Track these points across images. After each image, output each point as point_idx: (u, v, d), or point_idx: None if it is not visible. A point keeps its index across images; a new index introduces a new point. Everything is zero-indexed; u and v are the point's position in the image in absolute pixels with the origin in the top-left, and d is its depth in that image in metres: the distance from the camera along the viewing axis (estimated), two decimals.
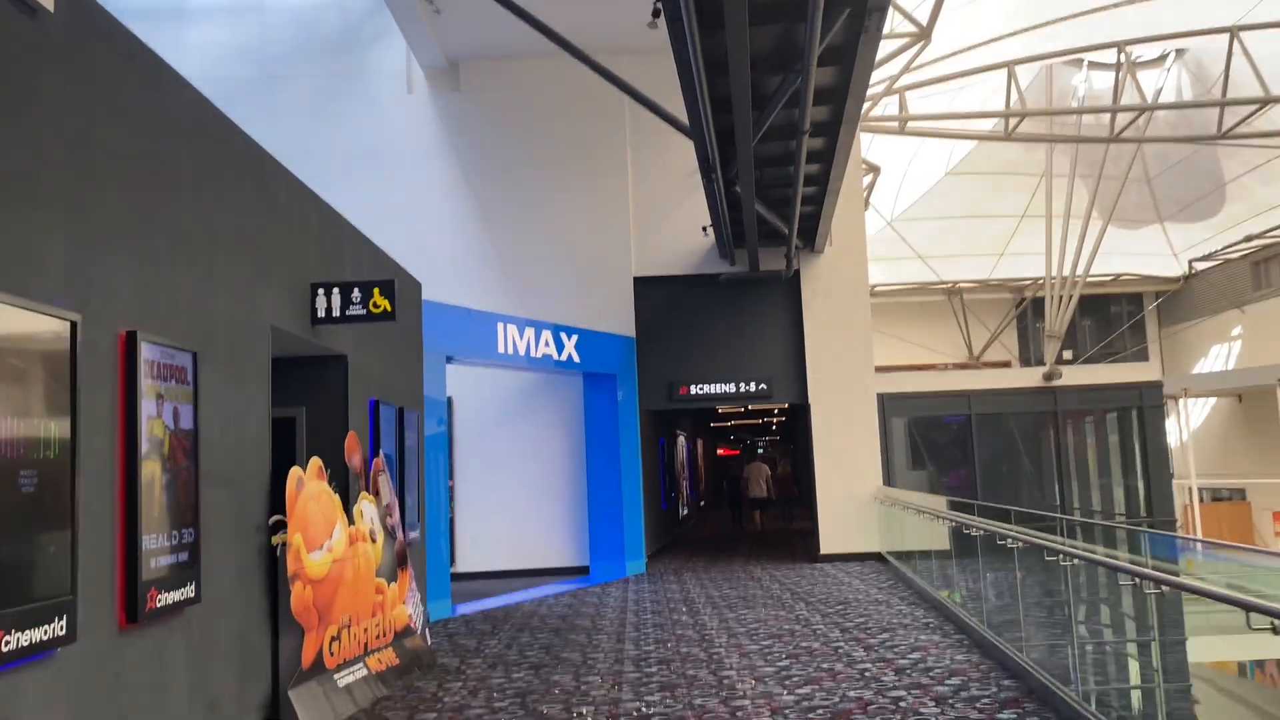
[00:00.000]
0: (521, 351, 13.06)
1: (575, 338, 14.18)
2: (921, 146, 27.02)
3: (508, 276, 15.50)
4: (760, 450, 53.13)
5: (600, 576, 14.49)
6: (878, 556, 15.21)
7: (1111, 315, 31.17)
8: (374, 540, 7.60)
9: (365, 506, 7.56)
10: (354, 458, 7.64)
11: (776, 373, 15.75)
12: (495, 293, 15.13)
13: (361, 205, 15.57)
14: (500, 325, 12.73)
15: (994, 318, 28.69)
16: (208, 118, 5.95)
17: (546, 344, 13.56)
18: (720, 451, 43.28)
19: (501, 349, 12.69)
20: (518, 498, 15.23)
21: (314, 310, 7.35)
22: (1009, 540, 7.29)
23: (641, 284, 15.76)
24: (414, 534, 9.95)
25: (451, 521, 14.85)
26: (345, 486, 7.63)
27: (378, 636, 7.49)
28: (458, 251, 15.54)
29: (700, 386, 15.65)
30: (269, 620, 6.30)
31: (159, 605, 4.70)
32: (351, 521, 7.30)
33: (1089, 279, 22.56)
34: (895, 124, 20.88)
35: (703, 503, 31.67)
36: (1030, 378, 16.54)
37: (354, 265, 8.63)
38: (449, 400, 14.87)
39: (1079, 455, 17.65)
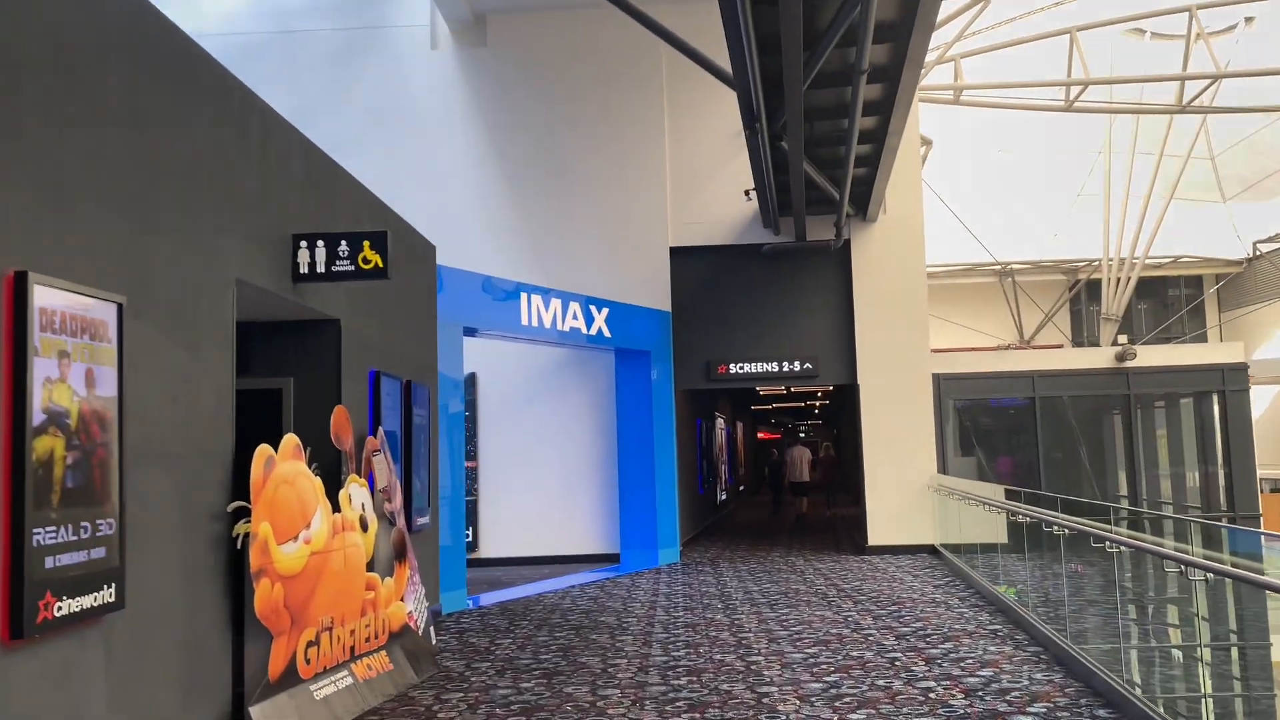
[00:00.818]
0: (547, 324, 12.08)
1: (606, 311, 13.17)
2: (975, 121, 25.81)
3: (534, 245, 14.52)
4: (802, 434, 51.99)
5: (631, 565, 13.54)
6: (930, 549, 14.09)
7: (1169, 298, 29.74)
8: (365, 529, 6.67)
9: (355, 491, 6.64)
10: (342, 435, 6.71)
11: (823, 351, 14.64)
12: (521, 263, 14.17)
13: (382, 167, 14.67)
14: (524, 295, 11.76)
15: (1046, 300, 27.36)
16: (152, 26, 4.99)
17: (575, 317, 12.57)
18: (761, 435, 42.18)
19: (525, 321, 11.73)
20: (545, 481, 14.30)
21: (295, 265, 6.41)
22: (1106, 543, 6.17)
23: (678, 255, 14.72)
24: (423, 520, 9.04)
25: (474, 505, 13.96)
26: (337, 468, 6.71)
27: (368, 639, 6.58)
28: (481, 218, 14.59)
29: (740, 366, 14.60)
30: (229, 625, 5.39)
31: (58, 615, 3.78)
32: (337, 508, 6.38)
33: (1147, 260, 21.33)
34: (950, 93, 19.66)
35: (742, 488, 30.64)
36: (1099, 358, 15.28)
37: (351, 219, 7.68)
38: (472, 376, 13.97)
39: (1148, 442, 16.34)
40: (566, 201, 14.62)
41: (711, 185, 14.85)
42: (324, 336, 7.27)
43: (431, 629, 7.93)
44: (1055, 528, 7.15)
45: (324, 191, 7.15)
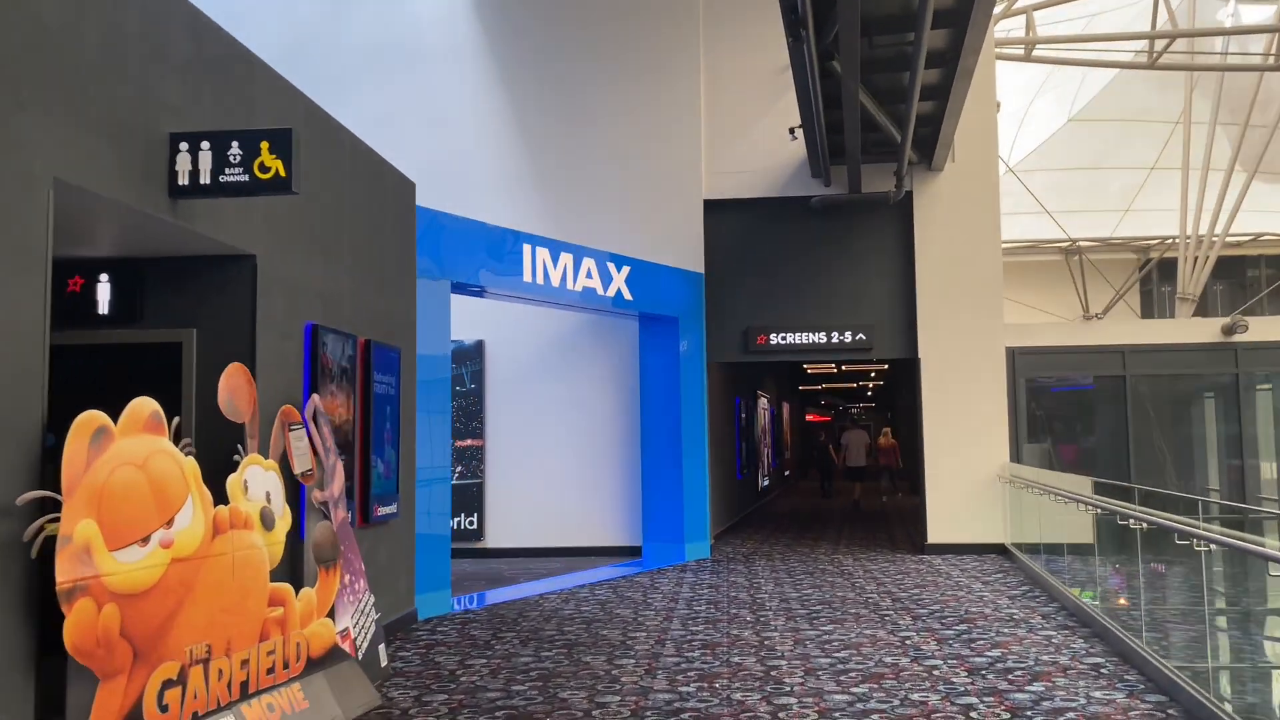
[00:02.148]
0: (556, 282, 10.41)
1: (627, 270, 11.47)
2: (1042, 88, 23.81)
3: (549, 198, 12.85)
4: (854, 416, 49.96)
5: (654, 561, 11.88)
6: (1000, 549, 12.24)
7: (1248, 279, 27.60)
8: (269, 526, 5.07)
9: (255, 476, 5.04)
10: (237, 402, 5.10)
11: (878, 320, 12.81)
12: (533, 216, 12.51)
13: (380, 109, 13.11)
14: (527, 248, 10.08)
15: (1115, 280, 25.21)
16: None
17: (589, 275, 10.88)
18: (809, 417, 40.26)
19: (529, 278, 10.06)
20: (559, 463, 12.69)
21: (172, 174, 4.80)
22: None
23: (713, 209, 12.95)
24: (387, 510, 7.46)
25: (479, 489, 12.40)
26: (239, 443, 5.13)
27: (271, 670, 4.99)
28: (490, 166, 12.95)
29: (783, 336, 12.82)
30: (25, 663, 3.82)
31: None
32: (223, 500, 4.79)
33: (1225, 238, 19.33)
34: (1020, 48, 17.63)
35: (787, 473, 28.84)
36: (1202, 331, 13.25)
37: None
38: (479, 344, 12.40)
39: (1247, 427, 14.24)
40: (586, 148, 12.92)
41: (753, 130, 13.04)
42: (235, 277, 5.67)
43: (382, 647, 6.35)
44: (1196, 542, 5.30)
45: (227, 85, 5.53)
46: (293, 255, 6.15)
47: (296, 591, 5.28)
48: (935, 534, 12.46)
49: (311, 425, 5.93)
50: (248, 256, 5.65)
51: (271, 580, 5.07)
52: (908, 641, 7.30)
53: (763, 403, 21.96)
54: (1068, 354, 12.74)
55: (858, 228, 12.89)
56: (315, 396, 6.01)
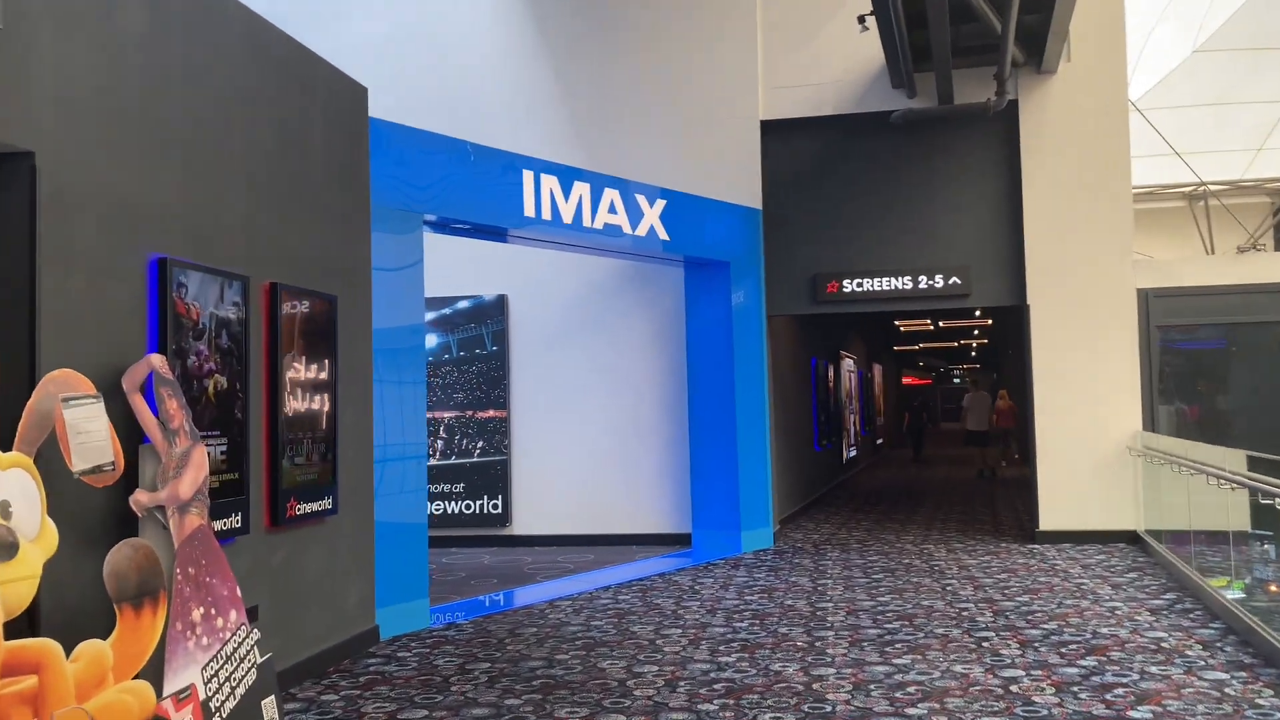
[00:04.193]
0: (567, 218, 8.48)
1: (662, 204, 9.47)
2: (1163, 14, 20.88)
3: (578, 124, 10.91)
4: (955, 380, 47.08)
5: (704, 553, 9.97)
6: (1130, 537, 9.96)
7: None
8: (2, 554, 3.30)
9: None
10: None
11: (976, 261, 10.54)
12: (559, 143, 10.60)
13: (384, 27, 11.35)
14: (528, 174, 8.16)
15: (1242, 228, 22.03)
16: None
17: (611, 210, 8.92)
18: (906, 380, 37.60)
19: (530, 212, 8.15)
20: (595, 437, 10.85)
21: None
22: None
23: (772, 132, 10.82)
24: (311, 505, 5.71)
25: (503, 468, 10.67)
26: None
27: None
28: (508, 89, 11.08)
29: (858, 282, 10.67)
30: None
31: None
32: None
33: None
34: None
35: (879, 441, 26.49)
36: None
37: None
38: (500, 300, 10.61)
39: None
40: (619, 63, 10.92)
41: (819, 35, 10.85)
42: (5, 188, 3.92)
43: (270, 703, 4.60)
44: None
45: None
46: (120, 161, 4.37)
47: (70, 648, 3.53)
48: (1049, 519, 10.22)
49: (136, 399, 4.17)
50: (21, 154, 3.88)
51: (16, 634, 3.33)
52: (1014, 688, 5.22)
53: (848, 364, 19.72)
54: (1218, 296, 10.26)
55: (949, 148, 10.60)
56: (153, 357, 4.25)
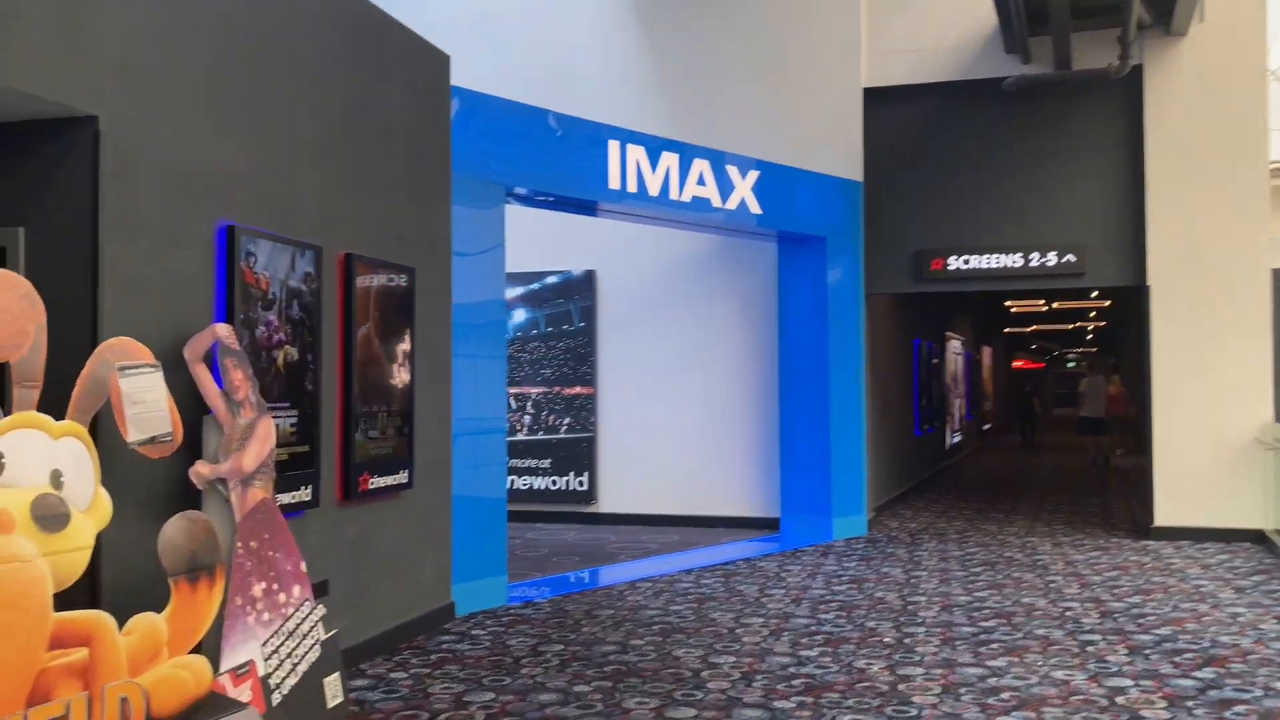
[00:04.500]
0: (654, 190, 8.23)
1: (755, 175, 9.13)
2: None
3: (671, 94, 10.62)
4: (1070, 364, 45.36)
5: (793, 538, 9.66)
6: (1257, 536, 9.26)
7: None
8: (51, 525, 3.24)
9: (19, 447, 3.20)
10: None
11: (1093, 237, 9.90)
12: (651, 113, 10.33)
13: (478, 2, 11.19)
14: (613, 144, 7.93)
15: None
16: None
17: (700, 181, 8.63)
18: (1017, 364, 36.25)
19: (615, 184, 7.93)
20: (682, 416, 10.63)
21: None
22: None
23: (876, 100, 10.34)
24: (387, 480, 5.63)
25: (590, 445, 10.54)
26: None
27: None
28: (600, 60, 10.85)
29: (965, 259, 10.14)
30: None
31: None
32: None
33: None
34: None
35: (987, 426, 25.58)
36: None
37: None
38: (588, 275, 10.45)
39: None
40: (714, 30, 10.57)
41: None
42: (70, 150, 3.87)
43: (333, 680, 4.53)
44: None
45: None
46: (187, 126, 4.30)
47: (124, 621, 3.48)
48: (1165, 514, 9.58)
49: (199, 369, 4.11)
50: (85, 119, 3.83)
51: (60, 606, 3.29)
52: (1120, 700, 4.81)
53: (954, 346, 19.01)
54: None
55: (1066, 117, 9.96)
56: (218, 327, 4.18)
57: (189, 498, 4.07)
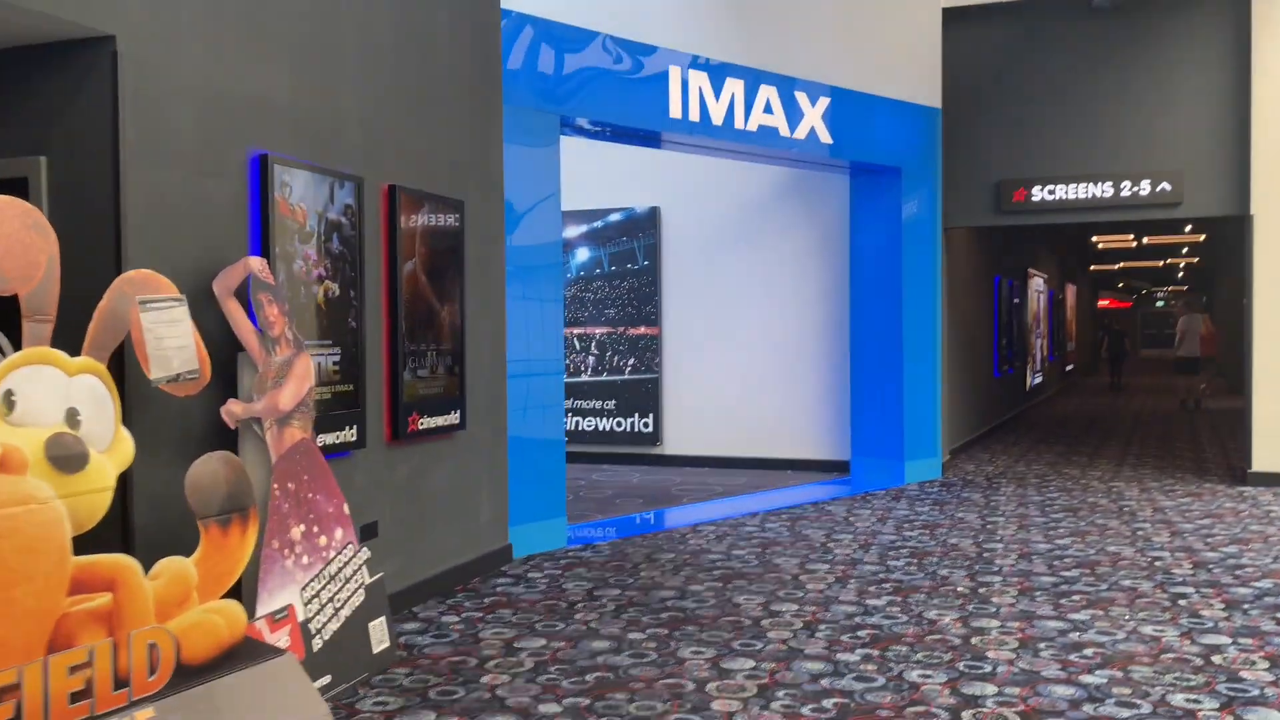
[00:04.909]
0: (718, 119, 7.84)
1: (825, 102, 8.67)
2: None
3: (740, 17, 10.10)
4: (1159, 303, 43.69)
5: (863, 482, 9.35)
6: None
7: None
8: (70, 465, 3.11)
9: (33, 383, 3.06)
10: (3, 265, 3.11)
11: (1190, 164, 9.23)
12: (719, 41, 9.85)
13: None
14: (674, 70, 7.54)
15: None
16: None
17: (767, 109, 8.20)
18: (1103, 303, 34.94)
19: (676, 113, 7.56)
20: (750, 356, 10.32)
21: None
22: None
23: (956, 20, 9.73)
24: (437, 420, 5.48)
25: (655, 386, 10.31)
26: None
27: (84, 694, 3.11)
28: None
29: (1050, 189, 9.57)
30: None
31: None
32: None
33: None
34: None
35: (1070, 367, 24.69)
36: None
37: None
38: (652, 212, 10.13)
39: None
40: None
41: None
42: (89, 74, 3.69)
43: (379, 624, 4.41)
44: None
45: None
46: (217, 50, 4.09)
47: (149, 565, 3.36)
48: (1265, 458, 9.01)
49: (230, 304, 3.94)
50: (101, 39, 3.63)
51: (89, 550, 3.17)
52: (1216, 659, 4.45)
53: (1037, 283, 18.26)
54: None
55: (1162, 34, 9.24)
56: (251, 260, 4.00)
57: (225, 438, 3.93)
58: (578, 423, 10.74)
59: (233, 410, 3.89)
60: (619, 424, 10.65)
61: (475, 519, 6.04)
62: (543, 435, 6.72)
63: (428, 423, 5.40)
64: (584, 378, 10.75)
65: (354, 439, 4.81)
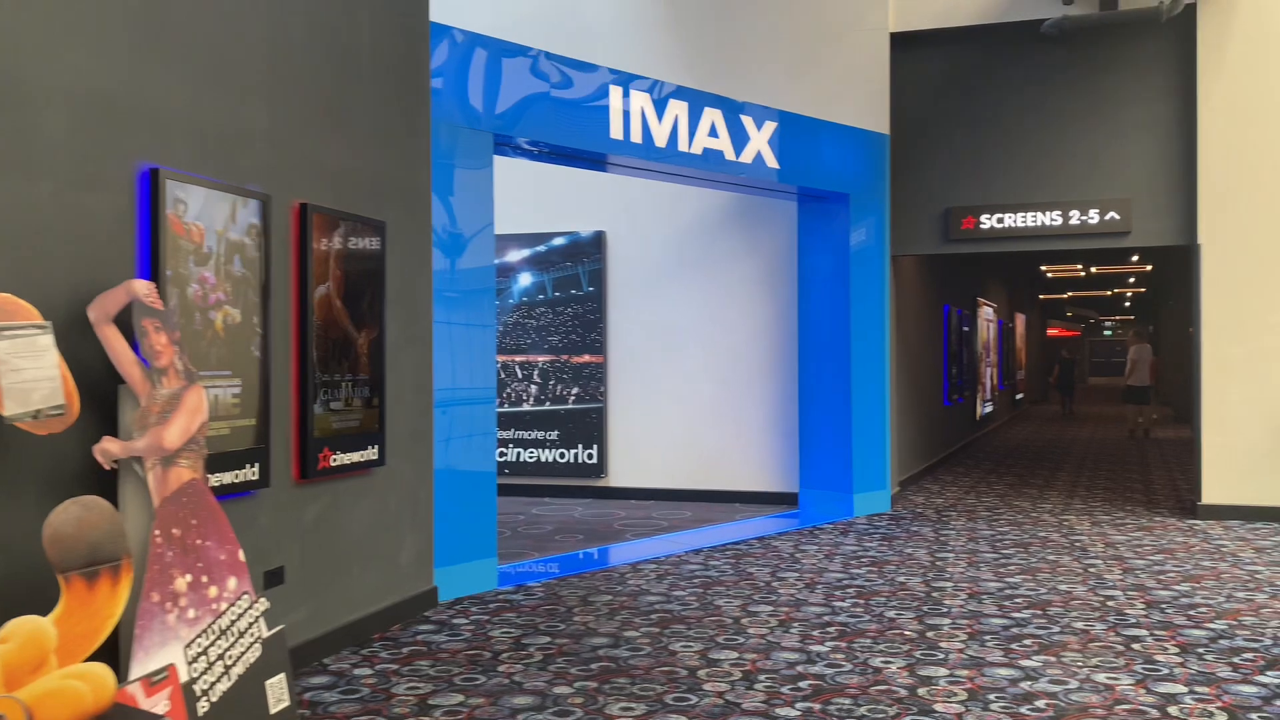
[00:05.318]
0: (660, 141, 7.59)
1: (771, 126, 8.47)
2: None
3: (688, 41, 9.93)
4: (1107, 332, 44.31)
5: (812, 515, 9.10)
6: None
7: None
8: None
9: None
10: None
11: (1139, 194, 9.17)
12: (668, 62, 9.66)
13: None
14: (615, 90, 7.29)
15: None
16: None
17: (712, 133, 7.98)
18: (1052, 331, 35.29)
19: (617, 133, 7.30)
20: (697, 385, 10.05)
21: None
22: None
23: (904, 46, 9.62)
24: (353, 456, 5.11)
25: (599, 416, 10.00)
26: None
27: None
28: (613, 6, 10.17)
29: (998, 217, 9.45)
30: None
31: None
32: None
33: None
34: None
35: (1019, 395, 24.78)
36: None
37: None
38: (598, 237, 9.86)
39: None
40: None
41: None
42: None
43: (278, 682, 4.03)
44: None
45: None
46: (102, 51, 3.74)
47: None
48: (1213, 491, 8.90)
49: (106, 331, 3.57)
50: None
51: None
52: (1173, 709, 4.20)
53: (986, 312, 18.25)
54: None
55: (1111, 62, 9.20)
56: (135, 283, 3.63)
57: (103, 480, 3.55)
58: (519, 454, 10.39)
59: (108, 449, 3.51)
60: (562, 455, 10.31)
61: (396, 561, 5.67)
62: (473, 467, 6.37)
63: (341, 458, 5.04)
64: (526, 407, 10.40)
65: (256, 478, 4.44)
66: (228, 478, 4.24)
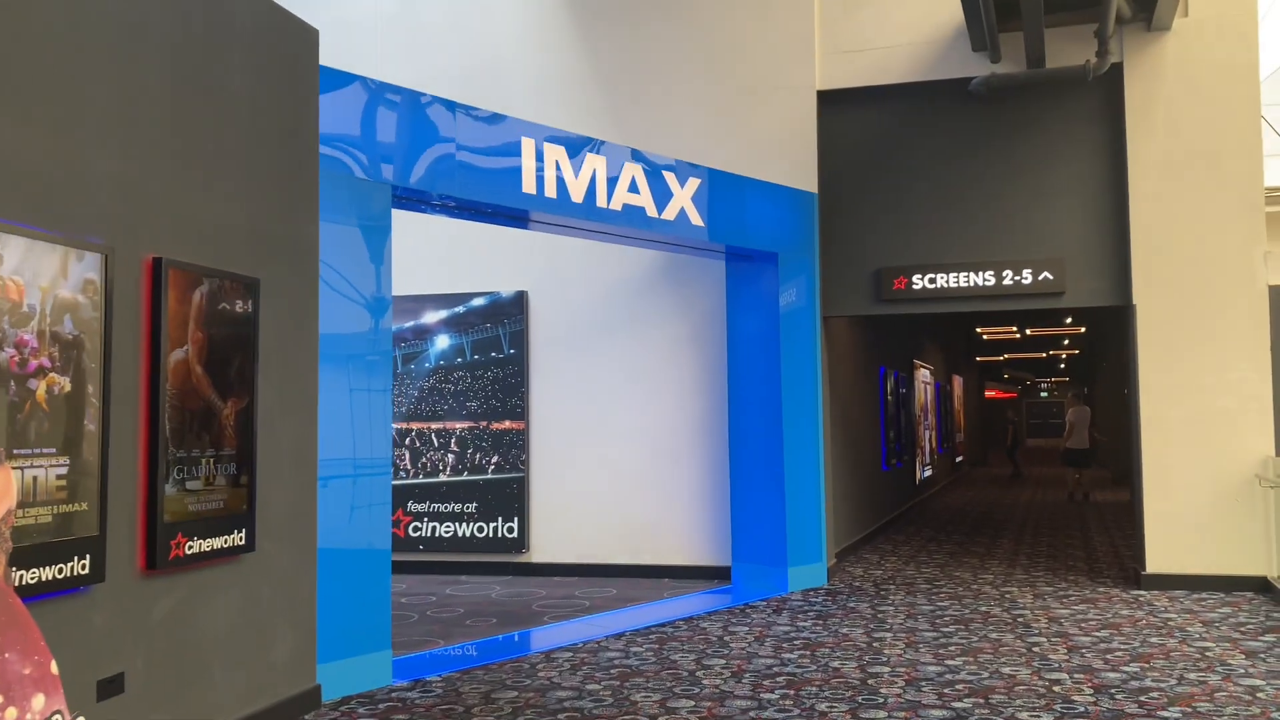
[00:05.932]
0: (577, 196, 7.18)
1: (695, 183, 8.12)
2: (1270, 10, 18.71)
3: (609, 96, 9.64)
4: (1043, 394, 44.82)
5: (744, 592, 8.58)
6: (1261, 584, 8.29)
7: None
8: None
9: None
10: None
11: (1072, 254, 8.98)
12: (588, 118, 9.34)
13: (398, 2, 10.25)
14: (527, 142, 6.87)
15: None
16: None
17: (633, 188, 7.60)
18: (990, 394, 35.48)
19: (530, 187, 6.87)
20: (623, 454, 9.55)
21: None
22: None
23: (831, 104, 9.40)
24: (216, 541, 4.51)
25: (520, 486, 9.43)
26: None
27: None
28: (531, 59, 9.87)
29: (930, 278, 9.18)
30: None
31: None
32: None
33: None
34: None
35: (959, 459, 24.65)
36: None
37: None
38: (519, 297, 9.40)
39: None
40: (655, 28, 9.63)
41: None
42: None
43: None
44: None
45: None
46: None
47: None
48: (1157, 560, 8.58)
49: None
50: None
51: None
52: None
53: (923, 375, 18.07)
54: None
55: (1040, 121, 9.06)
56: None
57: None
58: (435, 528, 9.75)
59: None
60: (480, 529, 9.70)
61: (268, 659, 5.04)
62: (363, 545, 5.78)
63: (199, 545, 4.44)
64: (443, 478, 9.80)
65: (86, 571, 3.83)
66: (47, 573, 3.64)
